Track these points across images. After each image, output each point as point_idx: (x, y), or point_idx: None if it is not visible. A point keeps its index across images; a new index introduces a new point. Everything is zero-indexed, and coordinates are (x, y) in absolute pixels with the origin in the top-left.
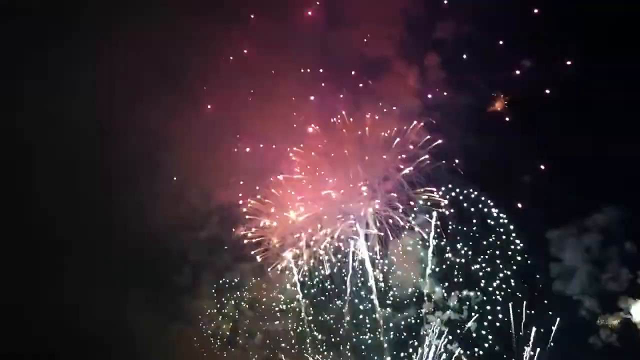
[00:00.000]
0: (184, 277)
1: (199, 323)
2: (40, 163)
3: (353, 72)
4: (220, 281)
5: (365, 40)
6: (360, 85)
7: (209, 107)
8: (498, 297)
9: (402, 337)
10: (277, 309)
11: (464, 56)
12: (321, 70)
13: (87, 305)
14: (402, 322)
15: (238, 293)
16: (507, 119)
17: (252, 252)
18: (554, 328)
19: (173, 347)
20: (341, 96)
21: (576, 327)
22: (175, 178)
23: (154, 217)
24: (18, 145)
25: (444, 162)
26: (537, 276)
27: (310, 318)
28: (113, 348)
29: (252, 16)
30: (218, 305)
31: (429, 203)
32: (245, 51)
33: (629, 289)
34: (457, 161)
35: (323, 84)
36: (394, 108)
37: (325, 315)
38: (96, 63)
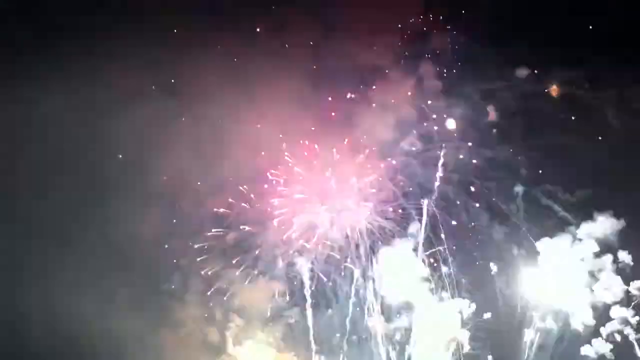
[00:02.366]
0: (173, 283)
1: (188, 330)
2: (29, 165)
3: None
4: (210, 288)
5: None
6: (355, 94)
7: (200, 111)
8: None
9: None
10: (266, 316)
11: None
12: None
13: (74, 309)
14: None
15: (227, 300)
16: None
17: (242, 259)
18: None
19: (161, 354)
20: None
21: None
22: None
23: (145, 222)
24: (5, 147)
25: (436, 171)
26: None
27: (301, 326)
28: (99, 352)
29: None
30: (206, 314)
31: (421, 212)
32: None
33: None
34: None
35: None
36: (389, 117)
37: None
38: (85, 63)
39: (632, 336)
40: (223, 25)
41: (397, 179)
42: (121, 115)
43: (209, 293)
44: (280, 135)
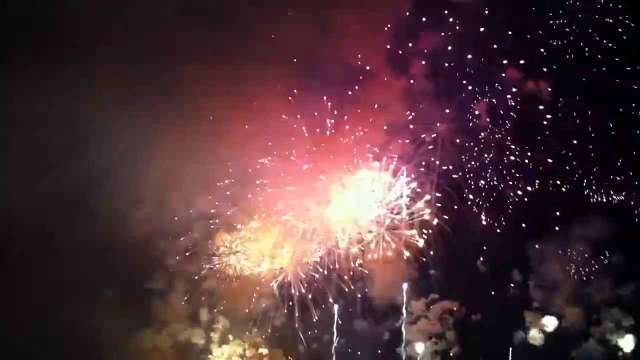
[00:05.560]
0: (158, 283)
1: (172, 330)
2: (13, 163)
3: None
4: (195, 288)
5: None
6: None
7: (192, 113)
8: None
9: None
10: (253, 318)
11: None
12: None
13: (56, 308)
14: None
15: (213, 301)
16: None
17: (229, 260)
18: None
19: (144, 354)
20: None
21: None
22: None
23: (130, 221)
24: None
25: (428, 174)
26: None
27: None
28: (80, 352)
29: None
30: (191, 315)
31: (411, 215)
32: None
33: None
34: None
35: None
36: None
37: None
38: (77, 65)
39: (623, 338)
40: (214, 26)
41: (388, 182)
42: (109, 115)
43: (194, 293)
44: (271, 136)
